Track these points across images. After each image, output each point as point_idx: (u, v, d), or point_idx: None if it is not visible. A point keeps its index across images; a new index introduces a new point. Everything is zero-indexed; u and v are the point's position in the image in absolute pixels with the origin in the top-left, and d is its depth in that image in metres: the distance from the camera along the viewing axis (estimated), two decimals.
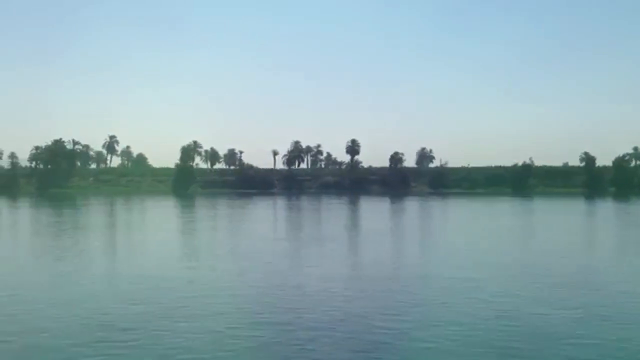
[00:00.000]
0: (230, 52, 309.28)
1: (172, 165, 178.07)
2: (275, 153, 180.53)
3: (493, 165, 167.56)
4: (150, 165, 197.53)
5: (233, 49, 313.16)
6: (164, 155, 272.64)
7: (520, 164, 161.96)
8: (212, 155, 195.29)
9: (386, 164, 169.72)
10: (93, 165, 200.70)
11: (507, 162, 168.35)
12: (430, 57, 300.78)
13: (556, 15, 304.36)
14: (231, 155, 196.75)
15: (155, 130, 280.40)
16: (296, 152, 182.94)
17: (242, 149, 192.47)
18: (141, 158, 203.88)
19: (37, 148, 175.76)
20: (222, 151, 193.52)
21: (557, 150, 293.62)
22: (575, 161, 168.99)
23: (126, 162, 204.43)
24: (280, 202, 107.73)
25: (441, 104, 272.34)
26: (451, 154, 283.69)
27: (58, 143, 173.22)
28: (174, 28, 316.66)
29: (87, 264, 31.92)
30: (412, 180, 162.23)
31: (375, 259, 33.36)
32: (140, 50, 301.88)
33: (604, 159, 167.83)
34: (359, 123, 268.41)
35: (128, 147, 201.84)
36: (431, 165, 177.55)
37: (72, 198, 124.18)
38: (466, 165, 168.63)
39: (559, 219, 68.13)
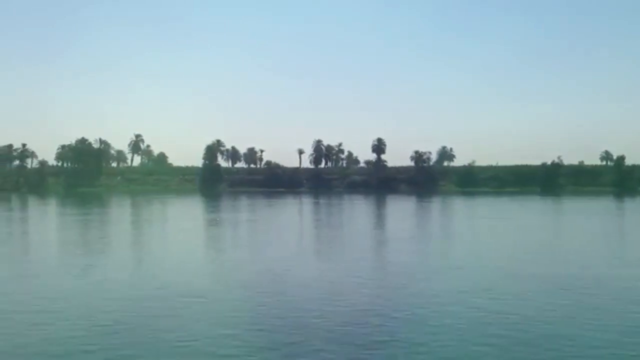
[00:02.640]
0: (230, 52, 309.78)
1: (191, 164, 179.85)
2: (300, 152, 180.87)
3: (520, 164, 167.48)
4: (170, 164, 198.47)
5: (233, 49, 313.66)
6: (173, 154, 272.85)
7: (549, 162, 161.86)
8: (233, 154, 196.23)
9: (398, 162, 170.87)
10: (114, 164, 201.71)
11: (509, 162, 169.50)
12: (432, 57, 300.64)
13: (562, 15, 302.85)
14: (251, 154, 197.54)
15: (160, 130, 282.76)
16: (319, 151, 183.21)
17: (262, 148, 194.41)
18: (162, 157, 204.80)
19: (63, 147, 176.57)
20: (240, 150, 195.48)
21: (563, 150, 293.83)
22: (592, 160, 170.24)
23: (146, 161, 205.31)
24: (317, 202, 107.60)
25: (442, 104, 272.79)
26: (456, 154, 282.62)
27: (85, 142, 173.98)
28: (179, 27, 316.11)
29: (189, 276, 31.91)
30: (439, 179, 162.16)
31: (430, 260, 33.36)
32: (145, 50, 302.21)
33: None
34: (366, 123, 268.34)
35: (148, 146, 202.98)
36: (449, 164, 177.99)
37: (104, 197, 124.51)
38: (494, 164, 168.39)
39: (606, 220, 67.60)
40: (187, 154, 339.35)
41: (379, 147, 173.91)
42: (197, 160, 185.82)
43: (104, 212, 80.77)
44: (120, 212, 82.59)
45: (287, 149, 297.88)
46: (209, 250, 38.96)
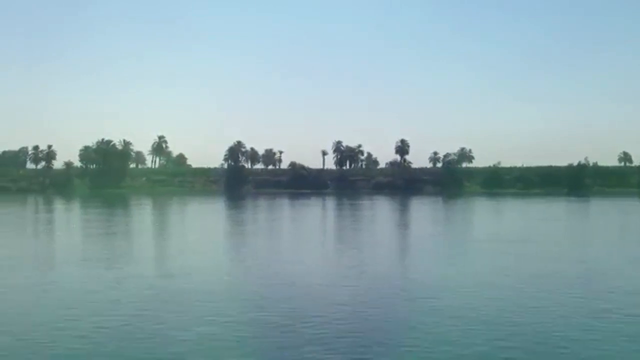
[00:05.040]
0: (234, 53, 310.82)
1: (206, 165, 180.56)
2: (324, 153, 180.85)
3: (546, 164, 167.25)
4: (189, 165, 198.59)
5: (236, 50, 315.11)
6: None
7: (575, 163, 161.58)
8: (252, 155, 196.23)
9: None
10: (132, 165, 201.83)
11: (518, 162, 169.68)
12: (435, 58, 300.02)
13: (581, 16, 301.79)
14: (269, 155, 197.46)
15: (171, 131, 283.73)
16: (341, 152, 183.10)
17: (280, 149, 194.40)
18: (181, 158, 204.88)
19: (86, 148, 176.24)
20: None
21: (577, 151, 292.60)
22: (609, 161, 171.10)
23: (165, 162, 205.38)
24: (349, 204, 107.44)
25: (453, 105, 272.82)
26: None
27: (109, 143, 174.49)
28: (186, 28, 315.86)
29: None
30: (464, 180, 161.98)
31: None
32: (152, 50, 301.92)
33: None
34: (376, 124, 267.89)
35: (166, 147, 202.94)
36: (467, 165, 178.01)
37: (134, 198, 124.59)
38: (519, 165, 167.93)
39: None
40: (199, 154, 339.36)
41: (402, 148, 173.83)
42: (211, 161, 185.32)
43: (148, 214, 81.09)
44: (160, 214, 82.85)
45: (298, 150, 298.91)
46: (240, 254, 38.75)
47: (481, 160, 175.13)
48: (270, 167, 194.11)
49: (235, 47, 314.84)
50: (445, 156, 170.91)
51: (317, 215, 77.18)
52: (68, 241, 44.76)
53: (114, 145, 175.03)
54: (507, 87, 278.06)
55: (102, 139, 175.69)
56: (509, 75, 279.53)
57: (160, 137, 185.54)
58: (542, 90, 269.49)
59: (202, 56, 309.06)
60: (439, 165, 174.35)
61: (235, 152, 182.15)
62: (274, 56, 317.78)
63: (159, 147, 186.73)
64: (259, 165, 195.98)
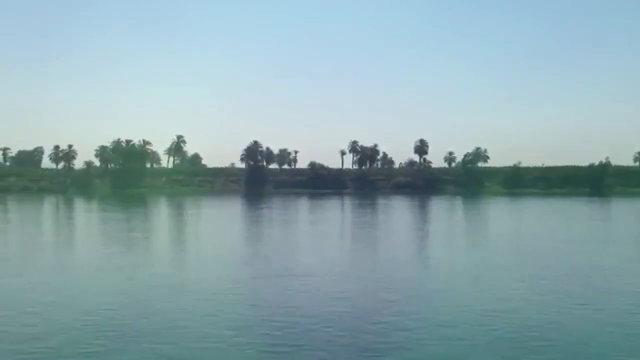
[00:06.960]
0: (233, 53, 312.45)
1: (217, 165, 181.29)
2: (343, 153, 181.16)
3: (566, 164, 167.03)
4: (205, 165, 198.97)
5: (235, 50, 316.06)
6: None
7: (596, 163, 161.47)
8: (268, 155, 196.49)
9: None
10: (147, 165, 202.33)
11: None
12: (436, 58, 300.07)
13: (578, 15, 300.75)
14: (283, 155, 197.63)
15: (177, 131, 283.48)
16: (358, 152, 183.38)
17: (296, 149, 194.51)
18: (196, 158, 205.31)
19: (102, 148, 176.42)
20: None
21: (588, 151, 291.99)
22: (622, 161, 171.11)
23: (180, 161, 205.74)
24: (375, 204, 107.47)
25: (443, 105, 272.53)
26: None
27: (129, 143, 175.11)
28: (190, 29, 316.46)
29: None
30: (485, 180, 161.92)
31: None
32: (157, 51, 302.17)
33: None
34: (382, 124, 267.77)
35: (184, 146, 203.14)
36: (483, 164, 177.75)
37: (157, 198, 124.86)
38: (540, 165, 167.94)
39: None
40: (205, 154, 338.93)
41: (421, 148, 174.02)
42: (220, 161, 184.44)
43: (187, 215, 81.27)
44: (197, 215, 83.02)
45: (306, 149, 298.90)
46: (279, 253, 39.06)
47: (494, 160, 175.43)
48: (285, 166, 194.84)
49: (236, 47, 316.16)
50: (465, 156, 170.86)
51: (349, 216, 77.23)
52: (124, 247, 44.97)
53: (133, 145, 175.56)
54: (507, 87, 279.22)
55: (119, 139, 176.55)
56: (509, 76, 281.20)
57: (179, 137, 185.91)
58: (542, 91, 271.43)
59: (204, 57, 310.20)
60: (453, 165, 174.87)
61: (253, 151, 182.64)
62: (274, 56, 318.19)
63: (178, 147, 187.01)
64: (273, 165, 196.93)
